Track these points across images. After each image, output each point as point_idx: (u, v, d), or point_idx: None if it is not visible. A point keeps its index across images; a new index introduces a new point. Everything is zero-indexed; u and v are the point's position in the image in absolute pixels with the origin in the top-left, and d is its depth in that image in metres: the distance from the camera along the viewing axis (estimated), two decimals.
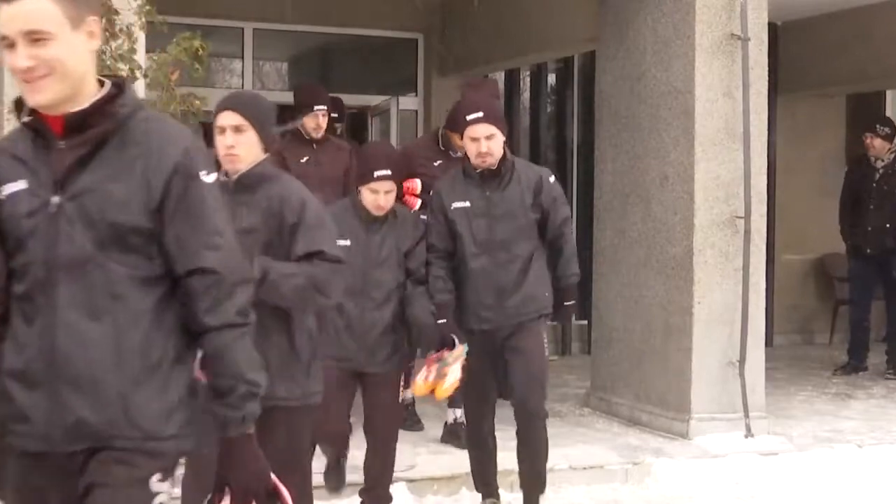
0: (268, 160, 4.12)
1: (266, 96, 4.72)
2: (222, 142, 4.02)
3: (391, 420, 5.29)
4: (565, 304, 5.50)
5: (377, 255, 5.11)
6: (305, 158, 7.04)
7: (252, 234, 3.84)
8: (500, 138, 5.28)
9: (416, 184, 6.60)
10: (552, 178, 5.47)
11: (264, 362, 2.70)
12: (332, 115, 7.60)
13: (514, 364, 5.32)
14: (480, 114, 5.24)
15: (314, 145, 7.15)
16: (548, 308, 5.42)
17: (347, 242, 4.80)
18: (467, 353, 5.22)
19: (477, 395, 5.50)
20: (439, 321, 5.21)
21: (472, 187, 5.34)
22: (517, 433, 5.40)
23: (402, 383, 5.30)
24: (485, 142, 5.23)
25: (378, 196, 5.06)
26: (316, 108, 7.16)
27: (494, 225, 5.31)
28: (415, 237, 5.25)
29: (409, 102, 10.77)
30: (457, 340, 5.22)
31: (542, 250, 5.43)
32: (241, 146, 4.00)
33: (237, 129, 4.00)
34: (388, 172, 5.05)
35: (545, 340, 5.44)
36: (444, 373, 5.13)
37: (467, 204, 5.33)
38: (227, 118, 4.02)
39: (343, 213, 5.07)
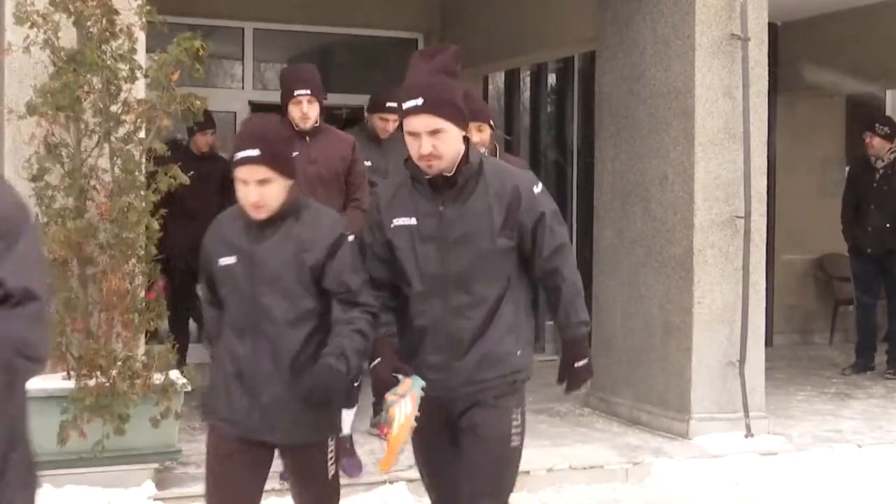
0: None
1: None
2: None
3: None
4: (575, 365, 3.93)
5: (267, 272, 3.79)
6: (294, 154, 6.26)
7: None
8: (453, 134, 3.74)
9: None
10: (537, 188, 3.87)
11: None
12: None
13: (467, 452, 3.87)
14: (419, 101, 3.72)
15: (306, 138, 6.03)
16: (523, 373, 3.93)
17: (232, 260, 3.81)
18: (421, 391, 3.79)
19: (437, 483, 4.03)
20: (374, 362, 3.82)
21: (421, 198, 3.81)
22: None
23: (332, 456, 3.94)
24: (427, 139, 3.70)
25: (248, 188, 3.75)
26: (296, 92, 5.98)
27: (448, 253, 3.77)
28: (327, 244, 3.82)
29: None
30: (401, 377, 3.79)
31: (521, 290, 3.91)
32: None
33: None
34: (257, 153, 3.73)
35: (515, 423, 3.90)
36: (391, 415, 3.71)
37: (413, 221, 3.80)
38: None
39: (231, 222, 3.91)
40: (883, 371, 9.52)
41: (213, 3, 9.74)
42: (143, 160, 5.67)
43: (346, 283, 3.79)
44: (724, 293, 7.05)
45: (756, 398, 7.08)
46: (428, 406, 3.76)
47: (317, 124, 6.12)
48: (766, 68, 7.23)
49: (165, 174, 5.64)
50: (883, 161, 9.51)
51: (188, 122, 5.97)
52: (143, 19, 5.68)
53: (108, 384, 5.39)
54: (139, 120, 5.60)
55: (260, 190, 3.72)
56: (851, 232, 9.68)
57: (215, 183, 7.81)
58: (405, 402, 3.72)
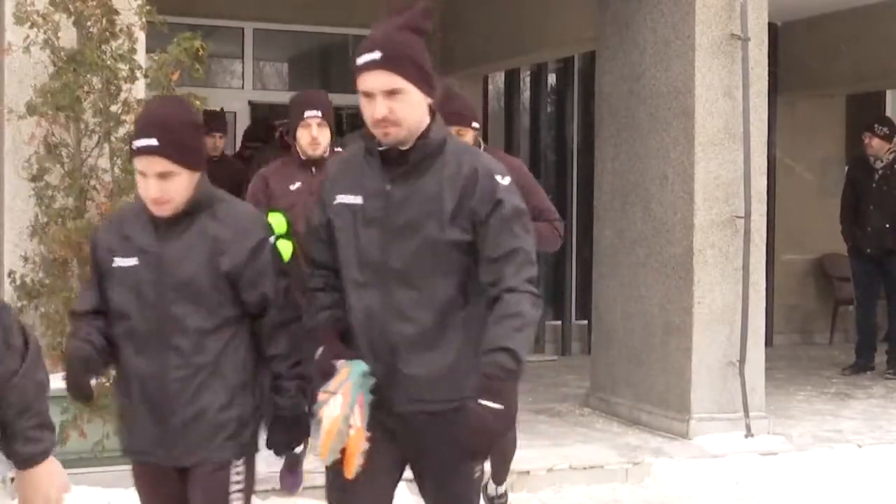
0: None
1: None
2: None
3: None
4: (480, 401, 3.01)
5: (177, 277, 3.32)
6: (297, 185, 5.51)
7: None
8: (414, 98, 3.16)
9: None
10: (502, 179, 3.22)
11: None
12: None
13: (426, 497, 3.38)
14: (376, 55, 3.16)
15: (312, 168, 5.54)
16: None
17: (133, 261, 3.36)
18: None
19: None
20: (318, 353, 3.29)
21: (370, 173, 3.25)
22: None
23: (240, 482, 3.39)
24: (383, 101, 3.13)
25: (147, 182, 3.29)
26: (306, 114, 5.56)
27: (392, 240, 3.19)
28: (248, 247, 3.33)
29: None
30: (340, 364, 3.21)
31: (473, 297, 3.23)
32: None
33: None
34: (154, 142, 3.25)
35: (476, 474, 3.35)
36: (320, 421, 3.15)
37: (358, 200, 3.25)
38: None
39: (133, 217, 3.44)
40: (883, 371, 9.52)
41: (213, 3, 9.74)
42: None
43: (266, 295, 3.33)
44: (724, 293, 7.05)
45: (756, 398, 7.08)
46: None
47: (325, 154, 5.55)
48: (766, 68, 7.22)
49: None
50: (882, 161, 9.51)
51: None
52: (143, 19, 5.68)
53: (107, 384, 5.39)
54: None
55: (160, 184, 3.26)
56: (851, 232, 9.68)
57: (224, 187, 7.68)
58: (334, 401, 3.12)
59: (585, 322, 10.03)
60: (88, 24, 5.53)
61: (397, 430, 3.24)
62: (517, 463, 6.14)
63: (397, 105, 3.13)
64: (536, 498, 6.14)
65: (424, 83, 3.20)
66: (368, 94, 3.16)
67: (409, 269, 3.18)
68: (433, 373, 3.18)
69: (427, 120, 3.22)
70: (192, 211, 3.33)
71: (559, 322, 10.76)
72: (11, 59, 5.62)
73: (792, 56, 10.74)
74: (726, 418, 7.00)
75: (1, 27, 5.77)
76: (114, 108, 5.57)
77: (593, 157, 8.29)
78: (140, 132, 3.27)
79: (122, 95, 5.59)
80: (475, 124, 5.03)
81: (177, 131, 3.27)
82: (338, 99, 9.61)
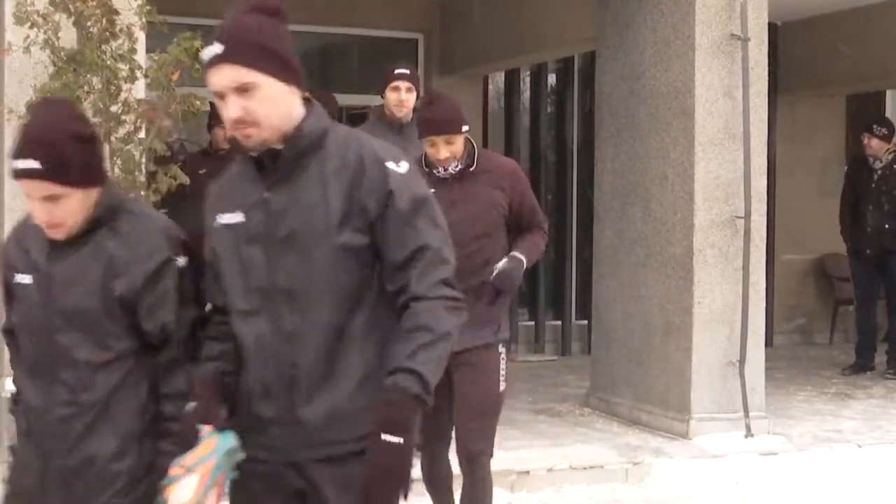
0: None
1: None
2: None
3: None
4: (382, 436, 2.53)
5: (65, 303, 2.86)
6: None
7: None
8: (271, 91, 2.65)
9: None
10: (397, 166, 2.69)
11: None
12: None
13: None
14: (218, 48, 2.74)
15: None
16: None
17: (28, 279, 2.91)
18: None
19: None
20: (187, 408, 2.80)
21: (248, 184, 2.75)
22: None
23: None
24: (235, 100, 2.64)
25: (33, 204, 2.84)
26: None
27: (275, 256, 2.69)
28: (149, 270, 2.85)
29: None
30: (205, 431, 2.72)
31: (387, 317, 2.69)
32: None
33: None
34: (36, 165, 2.76)
35: None
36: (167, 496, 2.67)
37: (240, 217, 2.74)
38: None
39: (36, 228, 2.91)
40: (883, 371, 9.53)
41: (213, 3, 9.69)
42: (143, 160, 5.67)
43: (166, 326, 2.86)
44: (724, 293, 7.05)
45: (756, 398, 7.08)
46: (252, 485, 2.74)
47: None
48: (766, 68, 7.23)
49: (165, 174, 5.64)
50: (881, 162, 9.51)
51: (188, 122, 5.97)
52: (143, 19, 5.67)
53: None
54: (139, 120, 5.60)
55: (48, 207, 2.80)
56: (850, 233, 9.68)
57: None
58: (188, 480, 2.62)
59: (585, 322, 10.03)
60: (88, 24, 5.53)
61: (307, 492, 2.71)
62: (517, 463, 6.16)
63: (252, 103, 2.62)
64: (536, 498, 6.14)
65: (284, 71, 2.68)
66: (219, 94, 2.68)
67: (297, 287, 2.66)
68: (334, 409, 2.66)
69: (298, 113, 2.70)
70: (89, 228, 2.85)
71: (559, 322, 10.77)
72: (11, 59, 5.62)
73: (792, 56, 10.74)
74: (726, 418, 7.00)
75: (1, 27, 5.78)
76: (114, 109, 5.57)
77: (593, 157, 8.29)
78: (19, 150, 2.78)
79: (122, 95, 5.58)
80: (465, 128, 4.71)
81: (60, 147, 2.77)
82: (338, 99, 9.66)
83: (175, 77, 5.61)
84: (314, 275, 2.66)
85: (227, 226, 2.74)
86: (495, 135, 10.75)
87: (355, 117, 10.48)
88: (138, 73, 5.61)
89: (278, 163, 2.68)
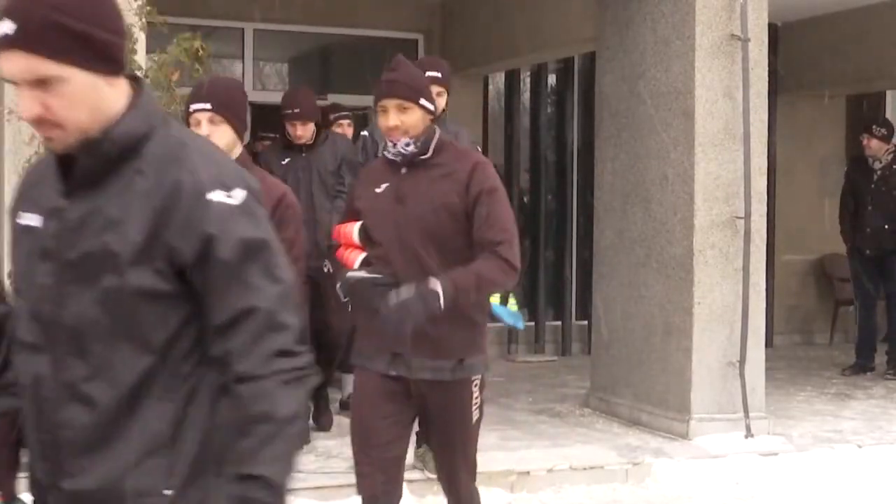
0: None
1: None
2: None
3: None
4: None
5: None
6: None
7: None
8: (78, 84, 2.04)
9: (351, 229, 4.07)
10: (230, 196, 2.08)
11: None
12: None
13: None
14: (8, 26, 2.02)
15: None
16: None
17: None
18: None
19: None
20: None
21: (50, 184, 2.18)
22: None
23: None
24: (31, 94, 2.04)
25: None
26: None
27: (66, 283, 2.11)
28: None
29: None
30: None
31: (198, 379, 2.13)
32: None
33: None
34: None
35: None
36: None
37: (37, 221, 2.18)
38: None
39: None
40: (883, 371, 9.53)
41: (213, 3, 9.74)
42: None
43: None
44: (724, 293, 7.05)
45: (756, 398, 7.08)
46: None
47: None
48: (766, 69, 7.23)
49: None
50: (881, 162, 9.52)
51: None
52: (144, 20, 5.67)
53: None
54: None
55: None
56: (850, 233, 9.68)
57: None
58: None
59: (585, 322, 10.04)
60: None
61: None
62: (517, 463, 6.16)
63: (54, 100, 2.02)
64: (536, 498, 6.14)
65: (96, 58, 2.03)
66: (12, 82, 2.06)
67: (82, 327, 2.08)
68: (107, 483, 2.08)
69: (116, 108, 2.09)
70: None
71: (559, 322, 10.77)
72: None
73: (792, 56, 10.74)
74: (726, 419, 7.00)
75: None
76: None
77: (593, 157, 8.29)
78: None
79: None
80: (424, 102, 4.01)
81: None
82: (339, 99, 9.67)
83: (175, 77, 5.62)
84: (101, 311, 2.06)
85: (26, 227, 2.17)
86: (495, 135, 10.76)
87: (355, 118, 10.51)
88: (138, 74, 5.61)
89: (75, 170, 2.10)
